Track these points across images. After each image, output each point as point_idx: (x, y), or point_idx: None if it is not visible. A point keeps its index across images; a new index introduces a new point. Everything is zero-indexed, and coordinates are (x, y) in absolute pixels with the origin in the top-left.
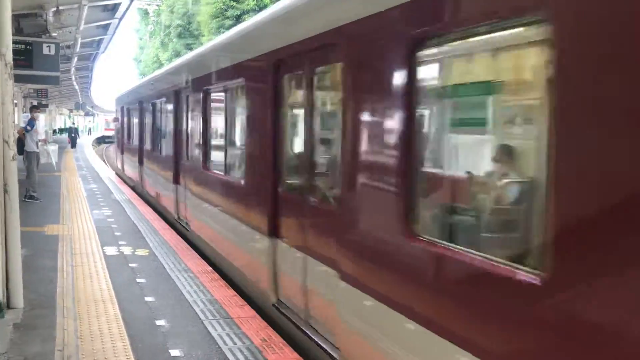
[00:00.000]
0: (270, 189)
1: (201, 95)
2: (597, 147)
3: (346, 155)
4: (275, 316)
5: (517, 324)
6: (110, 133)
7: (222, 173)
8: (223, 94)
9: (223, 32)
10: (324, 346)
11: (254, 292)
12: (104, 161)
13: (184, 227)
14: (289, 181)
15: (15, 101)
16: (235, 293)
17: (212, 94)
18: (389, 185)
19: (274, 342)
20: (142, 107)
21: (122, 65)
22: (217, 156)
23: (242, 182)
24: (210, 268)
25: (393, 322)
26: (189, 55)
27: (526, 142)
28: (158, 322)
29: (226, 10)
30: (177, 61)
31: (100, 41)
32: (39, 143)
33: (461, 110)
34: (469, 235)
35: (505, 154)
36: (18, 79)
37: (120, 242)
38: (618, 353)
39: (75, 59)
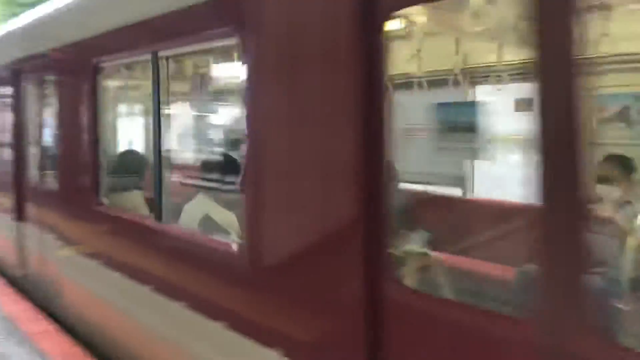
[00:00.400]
0: (357, 280)
1: (90, 70)
2: None
3: None
4: None
5: None
6: None
7: (153, 219)
8: (150, 64)
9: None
10: None
11: None
12: None
13: (42, 289)
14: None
15: None
16: (31, 306)
17: (121, 68)
18: None
19: (76, 355)
20: None
21: None
22: (128, 184)
23: (236, 249)
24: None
25: None
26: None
27: None
28: None
29: None
30: (26, 16)
31: None
32: None
33: None
34: None
35: None
36: None
37: None
38: None
39: None
